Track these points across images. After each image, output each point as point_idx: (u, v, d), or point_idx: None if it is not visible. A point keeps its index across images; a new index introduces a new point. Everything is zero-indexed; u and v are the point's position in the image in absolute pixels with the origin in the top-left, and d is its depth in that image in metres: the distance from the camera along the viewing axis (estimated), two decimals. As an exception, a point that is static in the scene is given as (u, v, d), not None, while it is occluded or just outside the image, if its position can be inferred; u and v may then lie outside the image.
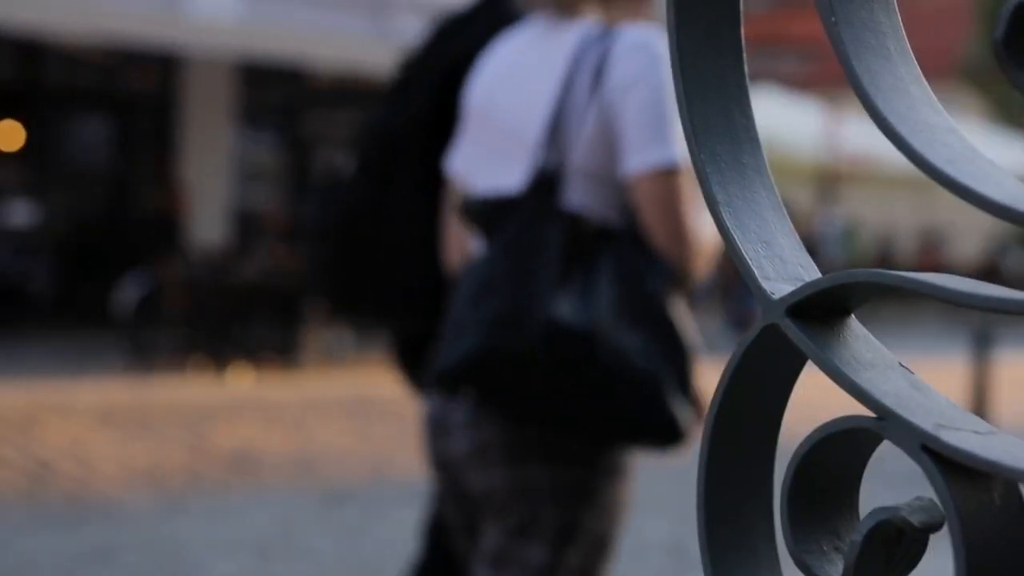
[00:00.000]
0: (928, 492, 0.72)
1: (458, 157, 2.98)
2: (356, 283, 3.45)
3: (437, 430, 2.88)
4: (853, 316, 0.76)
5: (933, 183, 0.69)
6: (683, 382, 2.79)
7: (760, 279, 0.76)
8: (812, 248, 20.99)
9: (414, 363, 3.39)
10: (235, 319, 12.63)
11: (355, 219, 3.35)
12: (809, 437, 0.73)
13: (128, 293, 12.50)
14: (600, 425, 2.81)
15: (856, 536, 0.70)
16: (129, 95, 15.73)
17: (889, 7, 0.75)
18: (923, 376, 0.75)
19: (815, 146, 21.55)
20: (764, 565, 0.78)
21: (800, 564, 0.75)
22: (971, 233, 28.89)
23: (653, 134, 2.70)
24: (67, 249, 15.12)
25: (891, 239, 29.92)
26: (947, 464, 0.68)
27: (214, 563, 6.33)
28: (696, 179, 0.80)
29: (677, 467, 8.97)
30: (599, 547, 2.93)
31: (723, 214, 0.78)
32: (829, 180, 22.83)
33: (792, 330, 0.73)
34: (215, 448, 8.94)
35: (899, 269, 0.70)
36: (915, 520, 0.70)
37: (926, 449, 0.68)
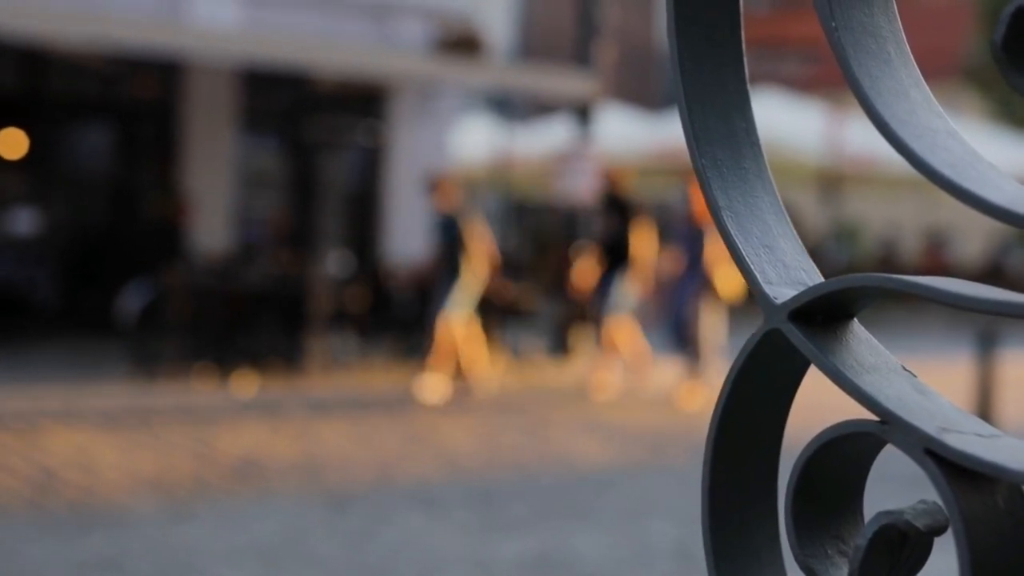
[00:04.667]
0: (932, 495, 0.72)
1: None
2: None
3: None
4: (856, 320, 0.76)
5: (935, 185, 0.69)
6: None
7: (763, 283, 0.76)
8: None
9: None
10: (239, 325, 12.63)
11: None
12: (812, 441, 0.73)
13: (132, 300, 12.50)
14: None
15: (860, 540, 0.70)
16: (132, 102, 15.74)
17: (889, 11, 0.75)
18: (928, 377, 0.75)
19: (818, 148, 21.55)
20: (768, 570, 0.78)
21: (805, 568, 0.75)
22: (975, 233, 28.87)
23: None
24: (71, 257, 15.12)
25: (895, 240, 29.91)
26: (951, 467, 0.68)
27: (221, 570, 6.33)
28: (698, 184, 0.80)
29: (682, 471, 8.97)
30: None
31: (725, 219, 0.78)
32: (832, 182, 22.82)
33: (795, 334, 0.73)
34: (220, 455, 8.95)
35: (903, 270, 0.70)
36: (919, 524, 0.70)
37: (930, 453, 0.68)
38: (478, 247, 12.25)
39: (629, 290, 12.98)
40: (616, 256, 12.92)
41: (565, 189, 15.31)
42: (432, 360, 11.94)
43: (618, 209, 13.15)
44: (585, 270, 13.73)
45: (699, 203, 12.37)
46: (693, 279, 12.30)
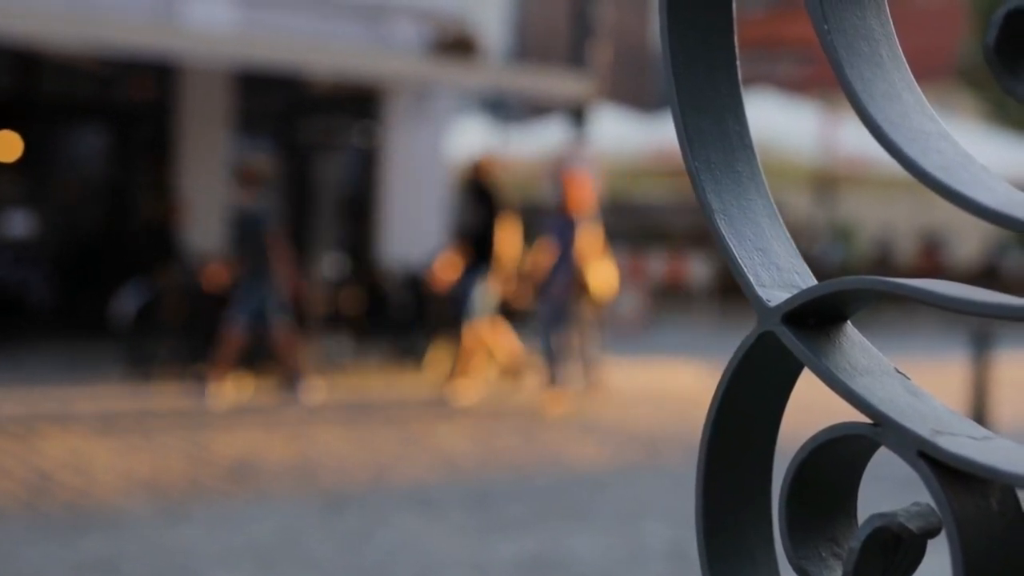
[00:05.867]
0: (925, 497, 0.72)
1: None
2: None
3: None
4: (849, 322, 0.76)
5: (928, 188, 0.69)
6: None
7: (756, 286, 0.76)
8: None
9: None
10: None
11: None
12: (806, 444, 0.74)
13: (127, 302, 12.49)
14: None
15: (854, 543, 0.70)
16: (127, 104, 15.74)
17: (882, 14, 0.75)
18: (922, 378, 0.75)
19: (812, 149, 21.56)
20: (762, 571, 0.79)
21: (799, 570, 0.75)
22: (970, 235, 28.90)
23: None
24: (65, 259, 15.12)
25: (890, 241, 29.93)
26: (944, 470, 0.68)
27: (217, 572, 6.32)
28: (692, 187, 0.80)
29: (677, 472, 8.97)
30: None
31: (719, 222, 0.78)
32: (826, 183, 22.84)
33: (788, 337, 0.74)
34: (215, 456, 8.94)
35: (898, 271, 0.70)
36: (913, 526, 0.70)
37: (923, 455, 0.68)
38: (282, 248, 11.41)
39: (491, 290, 12.04)
40: (480, 250, 11.99)
41: (560, 190, 15.31)
42: (218, 365, 11.30)
43: (483, 199, 12.16)
44: (446, 264, 12.61)
45: (572, 193, 11.69)
46: (562, 271, 11.58)
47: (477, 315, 11.92)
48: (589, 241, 11.65)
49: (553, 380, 11.70)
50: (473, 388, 11.94)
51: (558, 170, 12.99)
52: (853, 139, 20.56)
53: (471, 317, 11.91)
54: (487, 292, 11.98)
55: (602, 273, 11.71)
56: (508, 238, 12.09)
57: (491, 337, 12.07)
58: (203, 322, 12.46)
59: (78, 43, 13.17)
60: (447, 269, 12.45)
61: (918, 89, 0.74)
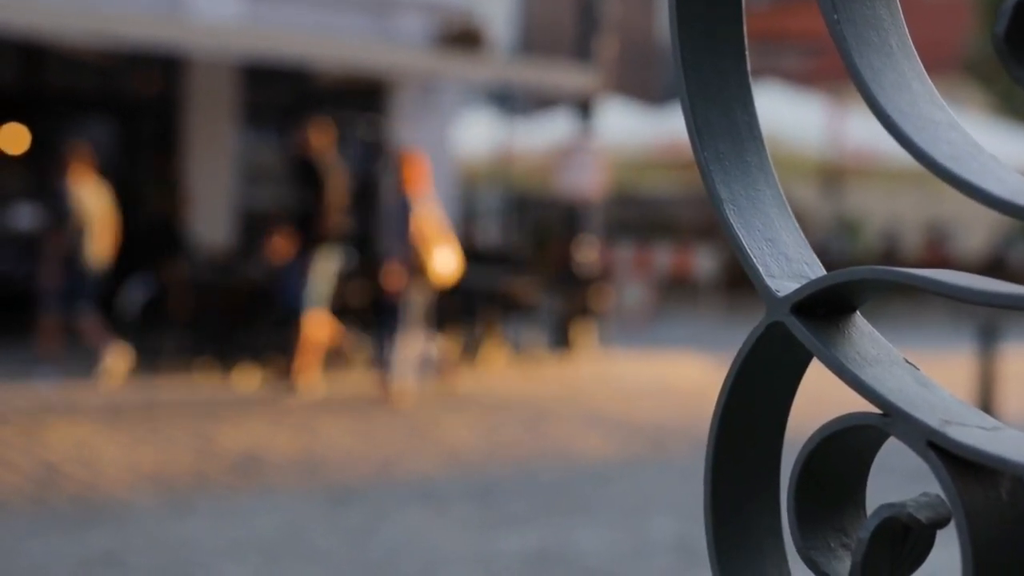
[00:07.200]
0: (934, 487, 0.72)
1: None
2: None
3: None
4: (858, 313, 0.76)
5: (938, 178, 0.69)
6: None
7: (765, 277, 0.76)
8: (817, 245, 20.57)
9: None
10: (240, 320, 12.62)
11: None
12: (815, 434, 0.74)
13: (133, 295, 12.50)
14: None
15: (863, 533, 0.70)
16: (132, 97, 15.74)
17: (891, 3, 0.75)
18: (929, 370, 0.75)
19: (819, 141, 21.54)
20: (771, 562, 0.79)
21: (807, 561, 0.75)
22: (977, 226, 28.87)
23: None
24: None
25: (897, 233, 29.90)
26: (953, 460, 0.68)
27: (222, 565, 6.33)
28: (701, 178, 0.80)
29: (683, 464, 8.97)
30: None
31: (727, 212, 0.78)
32: (834, 175, 22.81)
33: (797, 327, 0.74)
34: (221, 450, 8.95)
35: (905, 263, 0.70)
36: (922, 516, 0.70)
37: (932, 445, 0.68)
38: (55, 237, 11.21)
39: (325, 274, 11.28)
40: (310, 233, 11.15)
41: (566, 183, 15.31)
42: (92, 339, 11.38)
43: (311, 177, 11.34)
44: (280, 245, 11.98)
45: (408, 174, 10.96)
46: (399, 254, 10.94)
47: (312, 302, 11.22)
48: (426, 222, 11.01)
49: (384, 368, 11.22)
50: (316, 380, 11.41)
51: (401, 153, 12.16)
52: (860, 131, 20.53)
53: (309, 304, 11.21)
54: (321, 277, 11.27)
55: (441, 255, 11.05)
56: (337, 217, 11.31)
57: (320, 324, 11.44)
58: (209, 315, 12.47)
59: (84, 36, 13.17)
60: (280, 251, 11.76)
61: (927, 79, 0.74)
